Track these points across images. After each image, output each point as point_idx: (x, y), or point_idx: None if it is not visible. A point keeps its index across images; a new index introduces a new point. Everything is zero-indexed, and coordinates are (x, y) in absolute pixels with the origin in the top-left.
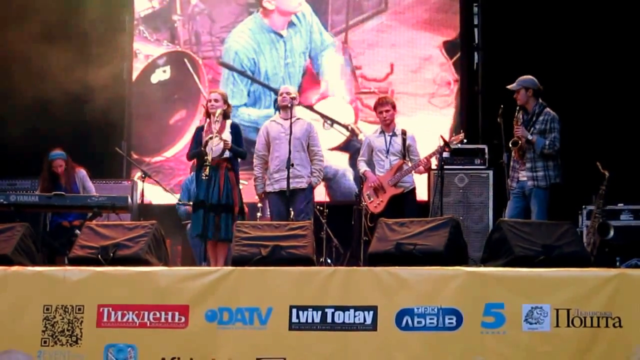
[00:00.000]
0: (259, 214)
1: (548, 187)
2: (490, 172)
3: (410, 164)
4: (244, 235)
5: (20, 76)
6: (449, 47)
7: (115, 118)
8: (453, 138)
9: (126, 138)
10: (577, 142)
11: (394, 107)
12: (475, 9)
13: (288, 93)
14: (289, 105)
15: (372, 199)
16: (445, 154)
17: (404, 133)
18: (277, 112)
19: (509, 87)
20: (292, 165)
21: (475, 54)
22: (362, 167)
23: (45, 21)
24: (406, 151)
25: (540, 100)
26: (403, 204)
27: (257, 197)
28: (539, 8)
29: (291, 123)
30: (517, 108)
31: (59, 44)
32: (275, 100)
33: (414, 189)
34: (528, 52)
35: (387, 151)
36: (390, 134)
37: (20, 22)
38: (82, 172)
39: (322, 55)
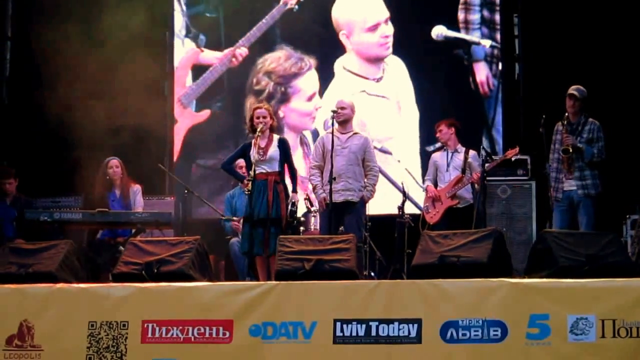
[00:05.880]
0: (302, 228)
1: (596, 196)
2: (533, 183)
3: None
4: (288, 250)
5: (60, 92)
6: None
7: (157, 134)
8: (508, 152)
9: (168, 154)
10: (620, 150)
11: (448, 125)
12: (516, 20)
13: (343, 108)
14: (346, 120)
15: (429, 211)
16: (487, 165)
17: (466, 152)
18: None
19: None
20: (334, 179)
21: (516, 64)
22: (425, 183)
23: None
24: (467, 167)
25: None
26: (460, 218)
27: (316, 203)
28: (579, 17)
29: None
30: (565, 116)
31: (100, 62)
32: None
33: (471, 205)
34: (569, 62)
35: (448, 165)
36: (452, 150)
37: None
38: (136, 187)
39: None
